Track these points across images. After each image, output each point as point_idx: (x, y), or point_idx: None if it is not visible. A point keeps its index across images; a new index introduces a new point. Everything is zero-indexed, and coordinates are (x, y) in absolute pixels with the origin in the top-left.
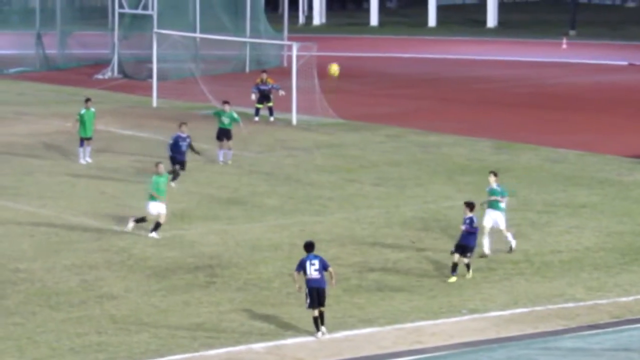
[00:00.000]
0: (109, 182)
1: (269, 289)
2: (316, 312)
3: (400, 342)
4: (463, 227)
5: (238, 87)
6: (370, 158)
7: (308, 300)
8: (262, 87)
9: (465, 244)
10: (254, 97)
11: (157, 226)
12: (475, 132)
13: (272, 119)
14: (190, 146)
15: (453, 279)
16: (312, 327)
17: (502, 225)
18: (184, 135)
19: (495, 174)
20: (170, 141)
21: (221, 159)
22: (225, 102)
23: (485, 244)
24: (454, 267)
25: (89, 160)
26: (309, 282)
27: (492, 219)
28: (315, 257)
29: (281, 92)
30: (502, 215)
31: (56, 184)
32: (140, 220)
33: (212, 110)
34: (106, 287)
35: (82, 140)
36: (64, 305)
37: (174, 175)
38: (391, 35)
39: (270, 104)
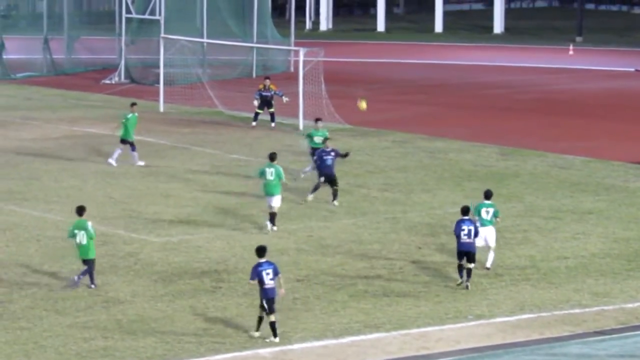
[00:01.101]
0: (116, 186)
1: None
2: (272, 317)
3: (406, 348)
4: None
5: (245, 93)
6: (377, 163)
7: (267, 309)
8: (265, 94)
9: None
10: (255, 102)
11: (273, 217)
12: (481, 138)
13: (273, 125)
14: (338, 156)
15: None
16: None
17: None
18: (328, 149)
19: (486, 195)
20: (315, 157)
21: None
22: (318, 119)
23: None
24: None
25: (141, 163)
26: (266, 291)
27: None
28: (269, 265)
29: (285, 99)
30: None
31: (63, 188)
32: (271, 219)
33: (305, 133)
34: (113, 291)
35: (124, 142)
36: (70, 309)
37: (315, 188)
38: (398, 41)
39: (272, 110)
